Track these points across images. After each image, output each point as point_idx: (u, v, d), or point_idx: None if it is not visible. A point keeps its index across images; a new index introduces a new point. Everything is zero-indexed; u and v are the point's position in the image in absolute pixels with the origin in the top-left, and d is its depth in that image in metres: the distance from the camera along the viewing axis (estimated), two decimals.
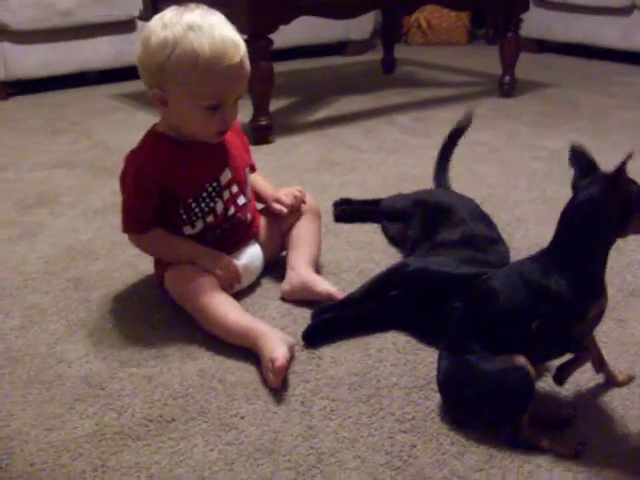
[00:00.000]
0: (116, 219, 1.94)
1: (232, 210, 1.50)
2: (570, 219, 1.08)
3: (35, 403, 1.20)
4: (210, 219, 1.47)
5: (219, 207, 1.48)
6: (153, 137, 1.46)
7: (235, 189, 1.50)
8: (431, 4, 3.50)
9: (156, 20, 1.35)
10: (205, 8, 1.37)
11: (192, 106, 1.36)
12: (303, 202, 1.62)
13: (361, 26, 4.49)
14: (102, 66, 3.77)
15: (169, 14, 1.35)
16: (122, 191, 1.46)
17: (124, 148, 2.59)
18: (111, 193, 2.17)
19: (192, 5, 1.37)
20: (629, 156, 1.01)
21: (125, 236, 1.83)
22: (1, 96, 3.51)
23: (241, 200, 1.52)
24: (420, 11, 4.89)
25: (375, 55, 4.37)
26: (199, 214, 1.46)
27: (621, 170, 1.02)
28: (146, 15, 3.17)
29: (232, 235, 1.51)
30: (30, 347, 1.37)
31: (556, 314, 1.07)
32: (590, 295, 1.08)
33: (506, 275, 1.17)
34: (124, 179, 1.45)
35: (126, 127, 2.96)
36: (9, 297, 1.55)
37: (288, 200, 1.60)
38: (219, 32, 1.32)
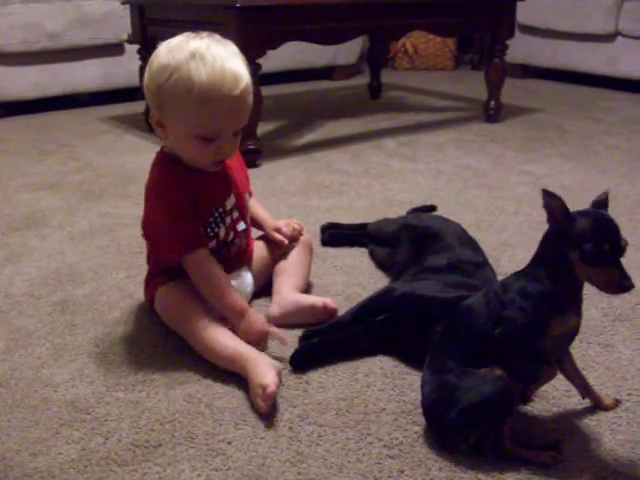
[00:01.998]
0: (103, 241, 1.95)
1: (231, 236, 1.50)
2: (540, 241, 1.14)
3: (20, 428, 1.19)
4: (212, 244, 1.45)
5: (222, 232, 1.47)
6: (166, 160, 1.43)
7: (236, 215, 1.50)
8: (418, 30, 3.54)
9: (164, 45, 1.35)
10: (217, 38, 1.35)
11: (187, 134, 1.34)
12: (300, 234, 1.64)
13: (348, 51, 4.54)
14: (91, 88, 3.79)
15: (177, 39, 1.34)
16: (157, 223, 1.41)
17: (112, 170, 2.63)
18: (98, 216, 2.17)
19: (204, 33, 1.35)
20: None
21: (111, 259, 1.84)
22: None
23: (241, 226, 1.52)
24: (407, 37, 4.96)
25: (362, 80, 4.41)
26: (205, 239, 1.45)
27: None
28: (134, 38, 3.19)
29: (226, 260, 1.48)
30: (15, 371, 1.35)
31: (516, 322, 1.10)
32: (552, 310, 1.09)
33: (484, 292, 1.20)
34: (155, 208, 1.40)
35: (114, 149, 2.96)
36: None
37: (288, 232, 1.62)
38: (221, 64, 1.29)
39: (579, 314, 1.12)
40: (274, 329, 1.39)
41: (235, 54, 1.35)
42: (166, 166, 1.42)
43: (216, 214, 1.45)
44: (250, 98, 1.36)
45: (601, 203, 1.11)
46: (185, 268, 1.41)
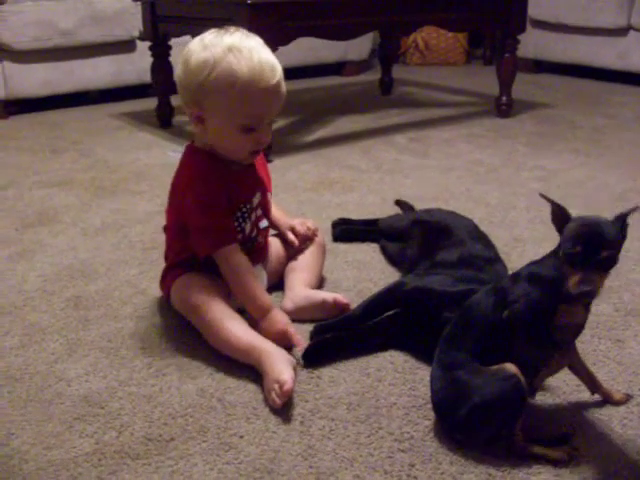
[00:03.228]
0: (115, 237, 1.96)
1: (255, 232, 1.52)
2: None
3: (34, 422, 1.20)
4: (238, 239, 1.46)
5: (247, 228, 1.49)
6: (200, 154, 1.45)
7: (260, 212, 1.53)
8: (429, 25, 3.53)
9: (196, 42, 1.39)
10: (245, 32, 1.40)
11: (228, 125, 1.38)
12: (315, 235, 1.65)
13: (359, 46, 4.53)
14: (102, 85, 3.81)
15: (209, 36, 1.38)
16: (193, 214, 1.42)
17: (124, 167, 2.64)
18: (110, 212, 2.18)
19: (232, 28, 1.40)
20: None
21: (124, 255, 1.85)
22: (1, 115, 3.53)
23: (263, 223, 1.54)
24: (418, 32, 4.94)
25: (373, 75, 4.40)
26: (236, 233, 1.46)
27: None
28: (146, 35, 3.20)
29: (247, 255, 1.47)
30: (29, 366, 1.37)
31: (522, 302, 1.11)
32: (559, 295, 1.09)
33: (493, 285, 1.22)
34: (190, 201, 1.41)
35: (126, 146, 2.98)
36: (8, 316, 1.56)
37: (302, 230, 1.63)
38: (257, 55, 1.35)
39: (587, 309, 1.13)
40: (293, 331, 1.38)
41: (264, 45, 1.40)
42: (201, 160, 1.45)
43: (244, 209, 1.47)
44: (284, 86, 1.41)
45: (620, 216, 1.10)
46: (217, 261, 1.42)
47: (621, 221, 1.08)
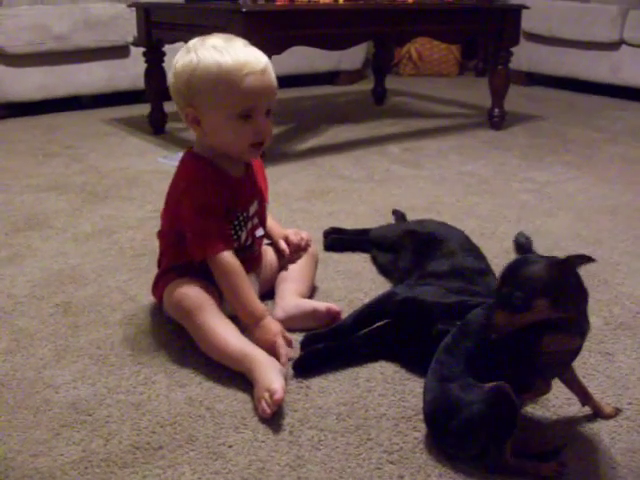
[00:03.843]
0: (105, 243, 1.96)
1: (250, 240, 1.52)
2: None
3: (21, 428, 1.19)
4: (234, 246, 1.46)
5: (243, 236, 1.49)
6: (197, 161, 1.45)
7: (256, 220, 1.53)
8: (422, 36, 3.55)
9: (182, 49, 1.42)
10: (230, 35, 1.42)
11: (223, 117, 1.38)
12: (308, 245, 1.65)
13: (353, 56, 4.55)
14: (96, 90, 3.80)
15: (193, 41, 1.41)
16: (190, 218, 1.41)
17: (115, 172, 2.64)
18: (101, 218, 2.17)
19: (216, 33, 1.43)
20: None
21: (114, 261, 1.84)
22: None
23: (259, 232, 1.55)
24: (411, 43, 4.97)
25: (366, 85, 4.41)
26: (232, 241, 1.47)
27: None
28: (140, 41, 3.20)
29: (242, 263, 1.46)
30: (17, 372, 1.36)
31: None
32: (543, 325, 1.09)
33: (492, 302, 1.20)
34: (188, 205, 1.41)
35: (118, 152, 2.97)
36: None
37: (295, 239, 1.63)
38: (242, 49, 1.38)
39: (583, 337, 1.13)
40: (283, 344, 1.36)
41: (250, 46, 1.42)
42: (199, 165, 1.45)
43: (240, 218, 1.47)
44: (274, 77, 1.42)
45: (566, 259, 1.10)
46: (211, 266, 1.42)
47: (563, 265, 1.08)
